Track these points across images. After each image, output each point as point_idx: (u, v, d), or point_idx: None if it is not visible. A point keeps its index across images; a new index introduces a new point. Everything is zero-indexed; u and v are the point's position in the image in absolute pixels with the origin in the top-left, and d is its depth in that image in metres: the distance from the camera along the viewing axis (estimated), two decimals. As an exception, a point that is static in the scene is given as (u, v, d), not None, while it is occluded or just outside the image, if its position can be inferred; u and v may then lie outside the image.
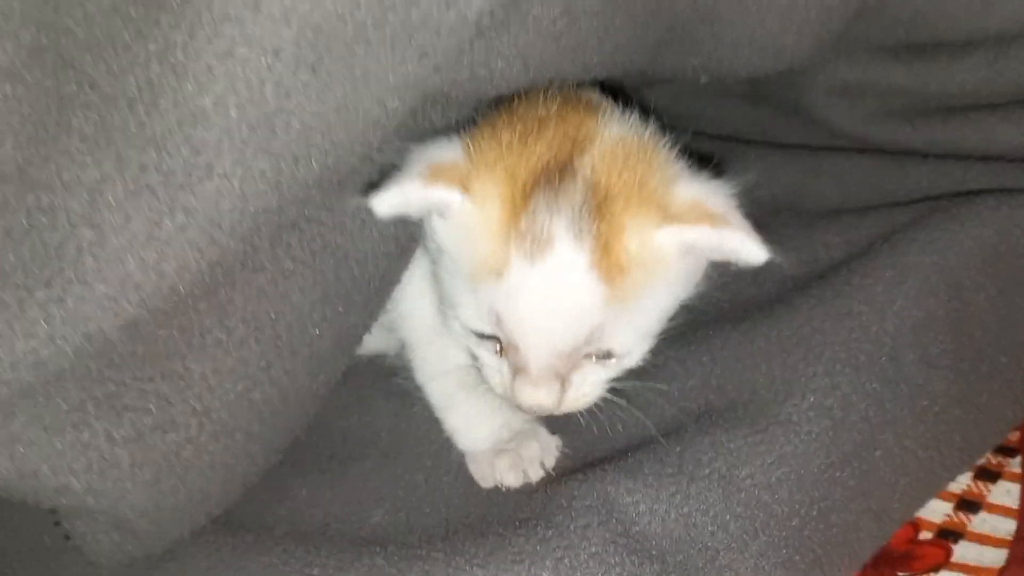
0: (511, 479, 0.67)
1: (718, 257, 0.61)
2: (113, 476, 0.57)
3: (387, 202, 0.58)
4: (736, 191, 0.62)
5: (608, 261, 0.58)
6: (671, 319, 0.65)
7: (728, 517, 0.59)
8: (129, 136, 0.49)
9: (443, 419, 0.72)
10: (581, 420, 0.66)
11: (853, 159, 0.84)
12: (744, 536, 0.59)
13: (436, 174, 0.59)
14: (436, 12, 0.50)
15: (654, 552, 0.58)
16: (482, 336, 0.62)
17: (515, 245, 0.58)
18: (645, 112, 0.67)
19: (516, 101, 0.65)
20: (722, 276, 0.67)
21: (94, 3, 0.49)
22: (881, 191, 0.80)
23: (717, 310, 0.73)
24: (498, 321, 0.60)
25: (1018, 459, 0.78)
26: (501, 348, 0.62)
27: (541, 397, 0.60)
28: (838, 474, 0.61)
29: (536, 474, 0.67)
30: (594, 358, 0.61)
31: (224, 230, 0.51)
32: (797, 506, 0.60)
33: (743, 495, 0.60)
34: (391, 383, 0.75)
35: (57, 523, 0.63)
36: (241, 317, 0.60)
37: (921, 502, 0.69)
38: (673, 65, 0.72)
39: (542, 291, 0.58)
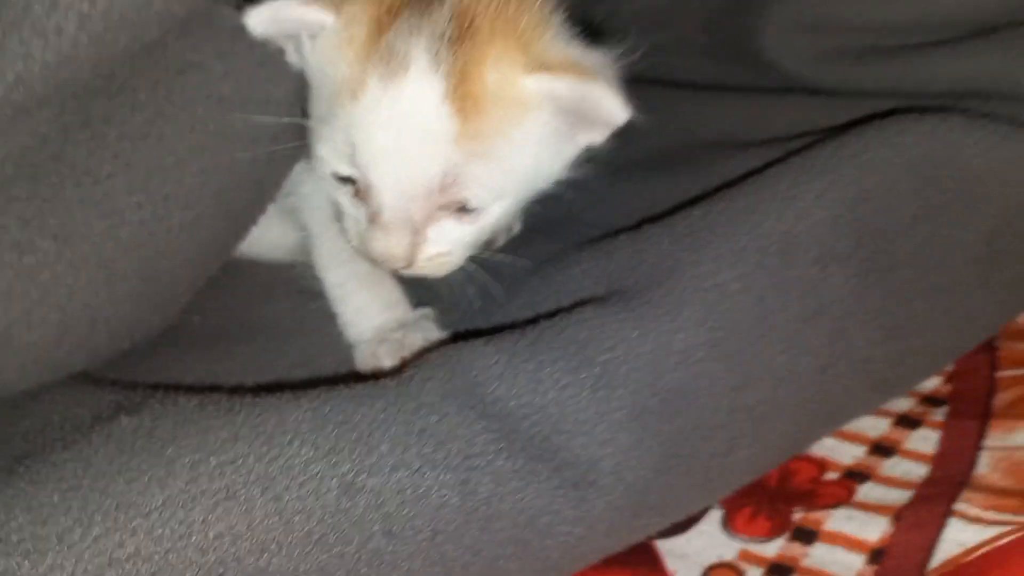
0: (387, 363, 0.66)
1: (582, 120, 0.60)
2: (-40, 290, 0.57)
3: (261, 18, 0.59)
4: (614, 61, 0.63)
5: (463, 92, 0.57)
6: (540, 193, 0.64)
7: (581, 388, 0.56)
8: None
9: (337, 311, 0.72)
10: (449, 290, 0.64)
11: (802, 98, 0.82)
12: (596, 408, 0.55)
13: None
14: None
15: (497, 412, 0.55)
16: (342, 180, 0.61)
17: (372, 66, 0.57)
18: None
19: None
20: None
21: None
22: (823, 125, 0.77)
23: (627, 219, 0.71)
24: (353, 152, 0.59)
25: (943, 409, 0.73)
26: (358, 191, 0.61)
27: (392, 245, 0.59)
28: (705, 358, 0.58)
29: (413, 359, 0.65)
30: (452, 212, 0.59)
31: (71, 20, 0.52)
32: (657, 384, 0.56)
33: (599, 368, 0.56)
34: (296, 280, 0.75)
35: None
36: (114, 152, 0.61)
37: (817, 425, 0.65)
38: None
39: (393, 115, 0.57)
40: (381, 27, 0.57)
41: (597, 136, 0.62)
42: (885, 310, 0.64)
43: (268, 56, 0.63)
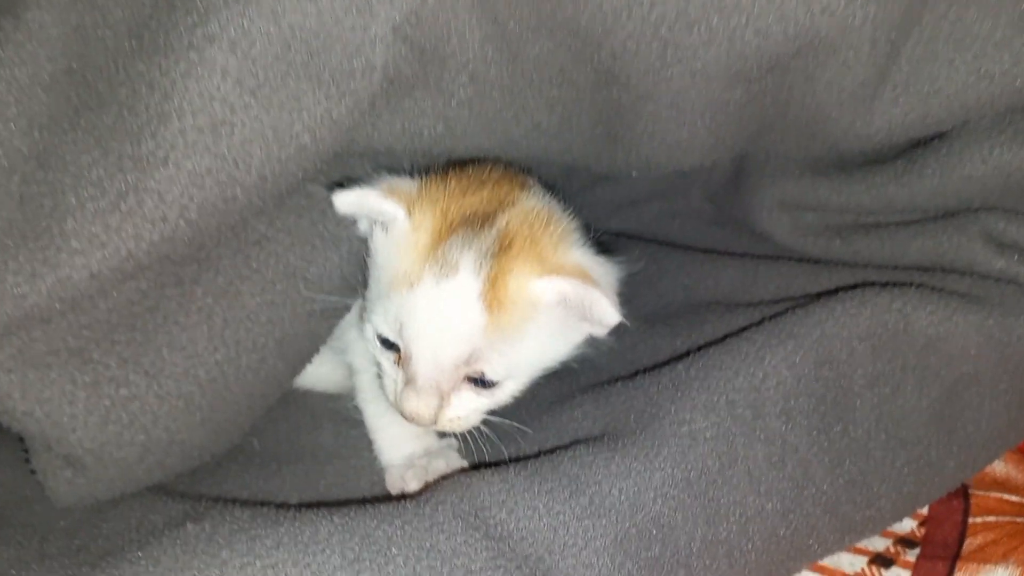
0: (413, 486, 0.77)
1: (584, 317, 0.73)
2: (68, 412, 0.70)
3: (347, 200, 0.75)
4: (622, 273, 0.77)
5: (493, 295, 0.71)
6: (549, 370, 0.77)
7: (570, 516, 0.66)
8: (114, 131, 0.65)
9: (373, 438, 0.84)
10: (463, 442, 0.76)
11: (789, 265, 0.92)
12: (583, 534, 0.65)
13: (392, 191, 0.75)
14: (348, 58, 0.65)
15: (498, 534, 0.65)
16: (387, 344, 0.74)
17: (429, 266, 0.72)
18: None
19: (470, 166, 0.81)
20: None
21: (112, 40, 0.68)
22: (801, 289, 0.88)
23: (631, 368, 0.82)
24: (401, 328, 0.72)
25: (916, 550, 0.80)
26: (399, 358, 0.74)
27: (422, 407, 0.71)
28: (679, 495, 0.67)
29: (435, 484, 0.76)
30: (473, 385, 0.72)
31: (174, 211, 0.66)
32: (636, 516, 0.66)
33: (586, 499, 0.67)
34: (341, 410, 0.88)
35: (27, 460, 0.76)
36: (199, 306, 0.75)
37: (788, 559, 0.73)
38: (607, 158, 0.85)
39: (439, 306, 0.71)
40: (440, 236, 0.72)
41: (598, 330, 0.75)
42: (848, 460, 0.73)
43: (328, 232, 0.78)
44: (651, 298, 0.96)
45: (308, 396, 0.92)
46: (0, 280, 0.65)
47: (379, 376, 0.78)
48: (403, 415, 0.74)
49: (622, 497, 0.67)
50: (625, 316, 0.71)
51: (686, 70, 0.72)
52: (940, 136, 0.80)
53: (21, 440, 0.75)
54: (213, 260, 0.75)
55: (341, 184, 0.75)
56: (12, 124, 0.68)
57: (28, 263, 0.65)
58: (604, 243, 0.79)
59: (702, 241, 1.04)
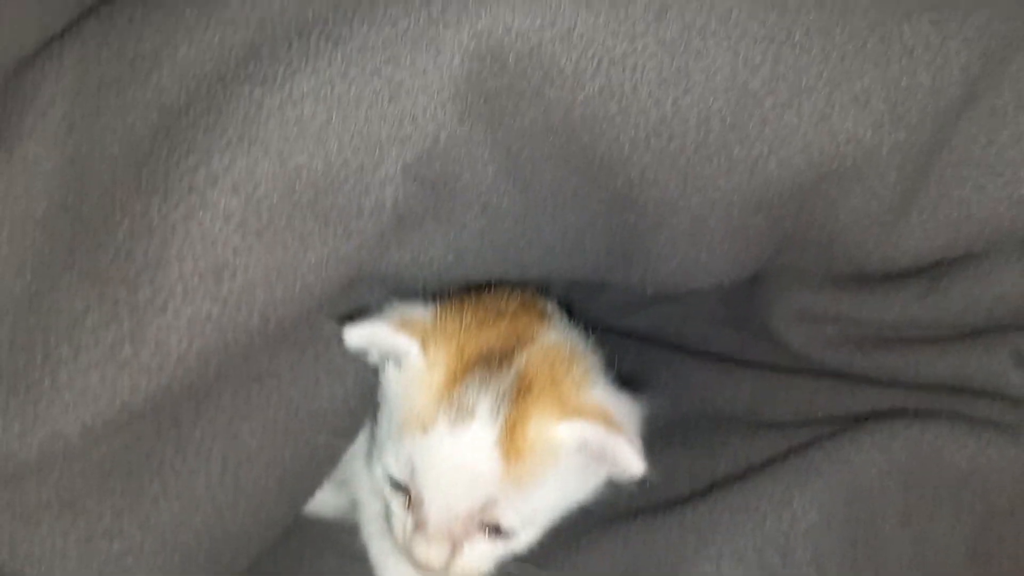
0: None
1: (605, 462, 0.69)
2: (60, 569, 0.66)
3: (358, 334, 0.70)
4: (644, 411, 0.72)
5: (510, 443, 0.67)
6: (566, 515, 0.72)
7: None
8: (111, 276, 0.62)
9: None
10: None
11: (808, 380, 0.89)
12: None
13: (404, 324, 0.70)
14: (356, 198, 0.63)
15: None
16: (396, 486, 0.70)
17: (444, 409, 0.67)
18: (588, 327, 0.79)
19: (486, 290, 0.77)
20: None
21: (108, 174, 0.65)
22: (827, 410, 0.84)
23: (645, 498, 0.78)
24: (412, 472, 0.68)
25: None
26: (410, 501, 0.70)
27: (432, 554, 0.67)
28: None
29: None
30: (486, 532, 0.68)
31: (172, 359, 0.62)
32: None
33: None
34: (343, 543, 0.83)
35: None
36: (196, 449, 0.70)
37: None
38: (620, 276, 0.82)
39: (453, 454, 0.67)
40: (456, 377, 0.68)
41: (619, 474, 0.70)
42: (881, 605, 0.70)
43: (333, 365, 0.74)
44: (666, 409, 0.92)
45: (309, 524, 0.87)
46: None
47: (388, 516, 0.74)
48: (412, 561, 0.70)
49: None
50: (650, 465, 0.66)
51: (705, 199, 0.69)
52: (967, 254, 0.77)
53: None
54: (212, 398, 0.71)
55: (351, 316, 0.72)
56: (3, 263, 0.65)
57: (18, 417, 0.62)
58: (626, 376, 0.75)
59: (716, 344, 1.01)
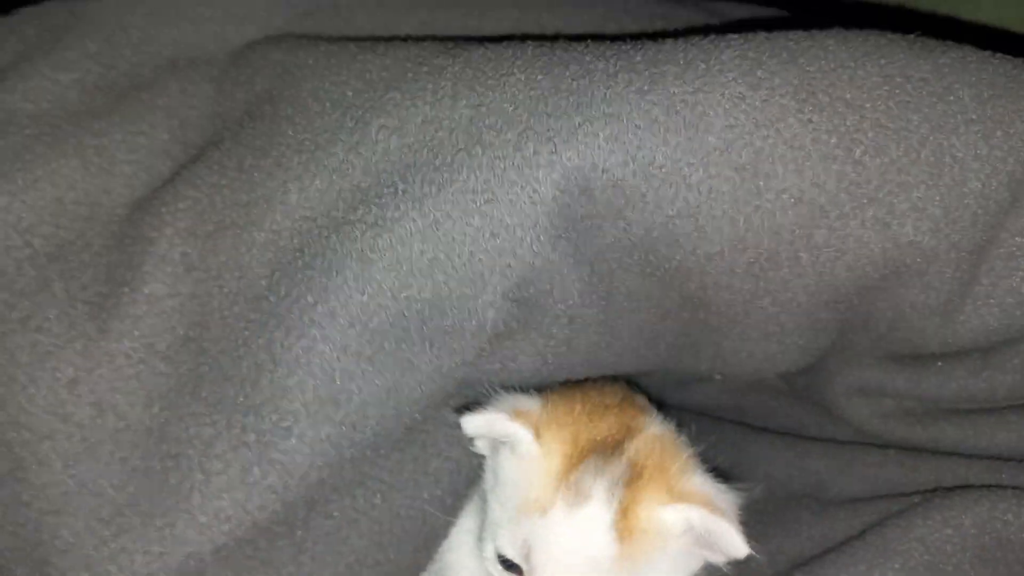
0: None
1: (708, 546, 0.73)
2: None
3: (475, 423, 0.75)
4: (740, 500, 0.77)
5: (625, 524, 0.71)
6: None
7: None
8: (237, 404, 0.68)
9: None
10: None
11: (873, 454, 0.93)
12: None
13: (518, 415, 0.76)
14: (459, 322, 0.68)
15: None
16: (507, 566, 0.75)
17: (562, 493, 0.72)
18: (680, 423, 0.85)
19: (587, 383, 0.83)
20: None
21: (228, 310, 0.70)
22: (893, 484, 0.88)
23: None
24: (528, 552, 0.73)
25: None
26: None
27: None
28: None
29: None
30: None
31: (295, 478, 0.68)
32: None
33: None
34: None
35: None
36: (311, 554, 0.75)
37: None
38: (689, 366, 0.87)
39: (571, 534, 0.72)
40: (572, 463, 0.73)
41: (718, 558, 0.75)
42: None
43: (429, 468, 0.79)
44: (760, 495, 0.96)
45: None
46: (130, 560, 0.67)
47: None
48: None
49: None
50: (755, 549, 0.71)
51: (775, 300, 0.74)
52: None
53: None
54: (322, 506, 0.76)
55: (468, 407, 0.77)
56: (132, 397, 0.70)
57: (157, 541, 0.67)
58: (721, 470, 0.80)
59: (775, 420, 1.05)
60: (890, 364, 0.91)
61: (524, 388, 0.80)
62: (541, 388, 0.81)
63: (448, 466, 0.81)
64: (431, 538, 0.82)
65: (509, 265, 0.67)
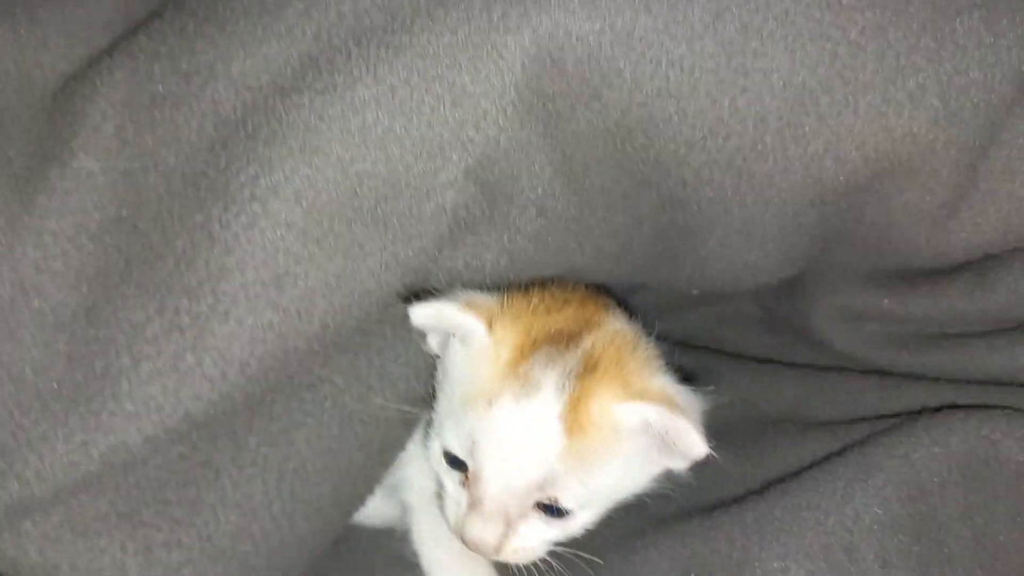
0: None
1: (667, 448, 0.68)
2: (118, 583, 0.66)
3: (424, 313, 0.70)
4: (705, 404, 0.72)
5: (575, 418, 0.67)
6: (622, 503, 0.72)
7: None
8: (170, 286, 0.62)
9: None
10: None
11: (854, 378, 0.89)
12: None
13: (471, 306, 0.71)
14: (416, 203, 0.62)
15: None
16: (454, 463, 0.70)
17: (510, 384, 0.68)
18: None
19: (548, 283, 0.78)
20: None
21: (163, 186, 0.64)
22: (875, 408, 0.84)
23: (697, 499, 0.78)
24: (472, 447, 0.68)
25: None
26: (466, 479, 0.69)
27: (487, 533, 0.67)
28: (780, 656, 0.63)
29: (504, 641, 0.71)
30: (543, 513, 0.67)
31: (234, 368, 0.62)
32: None
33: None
34: (394, 551, 0.83)
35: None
36: (252, 458, 0.70)
37: None
38: (665, 276, 0.82)
39: (517, 426, 0.67)
40: (523, 354, 0.68)
41: (679, 463, 0.70)
42: (947, 601, 0.69)
43: (385, 372, 0.74)
44: (725, 406, 0.92)
45: (359, 532, 0.87)
46: (51, 448, 0.61)
47: (440, 498, 0.74)
48: (464, 541, 0.69)
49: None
50: (715, 449, 0.66)
51: (759, 197, 0.69)
52: (1013, 248, 0.77)
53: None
54: (266, 407, 0.71)
55: (417, 296, 0.71)
56: (59, 278, 0.65)
57: (80, 429, 0.61)
58: (687, 372, 0.75)
59: (754, 348, 1.01)
60: (875, 285, 0.87)
61: (488, 290, 0.75)
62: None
63: (405, 372, 0.76)
64: (385, 449, 0.77)
65: (471, 139, 0.61)
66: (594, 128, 0.65)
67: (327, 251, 0.62)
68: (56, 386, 0.62)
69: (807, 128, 0.65)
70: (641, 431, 0.68)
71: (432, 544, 0.79)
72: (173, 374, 0.61)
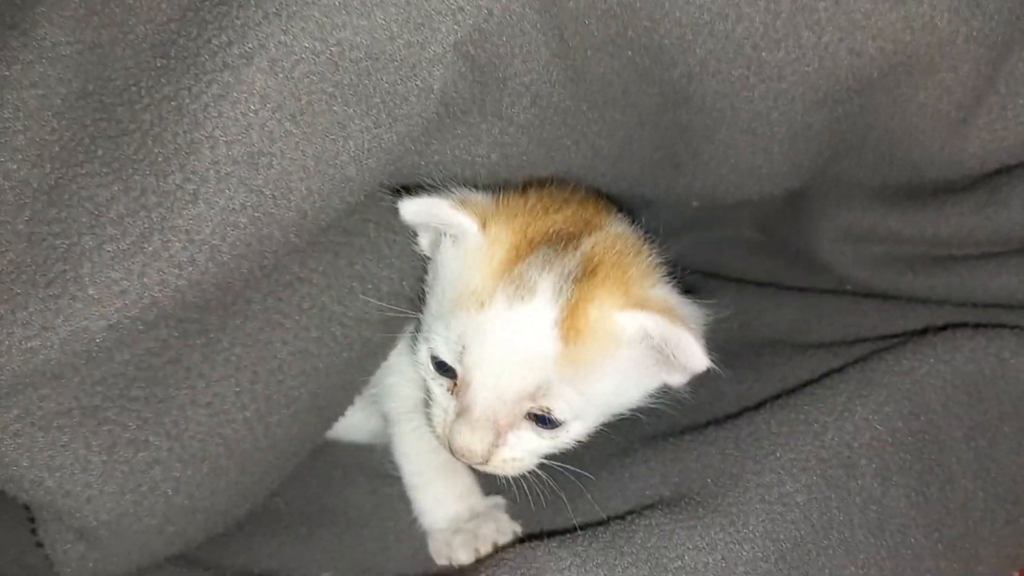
0: (463, 556, 0.69)
1: (666, 360, 0.65)
2: (83, 480, 0.62)
3: (414, 208, 0.66)
4: (707, 319, 0.68)
5: (571, 324, 0.62)
6: (616, 417, 0.69)
7: (652, 596, 0.58)
8: (136, 163, 0.58)
9: (413, 498, 0.76)
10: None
11: (855, 301, 0.85)
12: (666, 618, 0.58)
13: (464, 204, 0.67)
14: (402, 80, 0.58)
15: (572, 620, 0.58)
16: (441, 370, 0.67)
17: (503, 286, 0.63)
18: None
19: (547, 184, 0.73)
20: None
21: (132, 58, 0.60)
22: (877, 330, 0.81)
23: (692, 417, 0.75)
24: (462, 352, 0.64)
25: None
26: (454, 386, 0.66)
27: (475, 441, 0.63)
28: (772, 569, 0.60)
29: (486, 551, 0.68)
30: (534, 423, 0.64)
31: (203, 253, 0.58)
32: (725, 595, 0.59)
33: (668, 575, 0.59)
34: (375, 464, 0.79)
35: (33, 531, 0.68)
36: (225, 357, 0.67)
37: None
38: (666, 185, 0.78)
39: (509, 331, 0.63)
40: (519, 254, 0.64)
41: (678, 378, 0.66)
42: (946, 521, 0.66)
43: (368, 271, 0.70)
44: (707, 337, 0.88)
45: (337, 447, 0.84)
46: (7, 332, 0.58)
47: (426, 406, 0.70)
48: (451, 450, 0.66)
49: (708, 574, 0.59)
50: (715, 362, 0.63)
51: (768, 91, 0.65)
52: (1029, 164, 0.73)
53: (27, 506, 0.67)
54: (241, 305, 0.67)
55: (407, 189, 0.67)
56: (19, 154, 0.61)
57: (39, 313, 0.58)
58: (690, 284, 0.71)
59: (753, 273, 0.97)
60: (882, 203, 0.83)
61: (480, 187, 0.71)
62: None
63: (389, 274, 0.72)
64: (367, 355, 0.73)
65: (462, 8, 0.57)
66: (594, 7, 0.60)
67: (305, 130, 0.58)
68: (15, 269, 0.59)
69: (821, 13, 0.60)
70: (640, 341, 0.64)
71: (413, 457, 0.76)
72: (138, 256, 0.57)
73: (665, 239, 0.91)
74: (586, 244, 0.66)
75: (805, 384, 0.72)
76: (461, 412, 0.64)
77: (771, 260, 0.97)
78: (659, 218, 0.98)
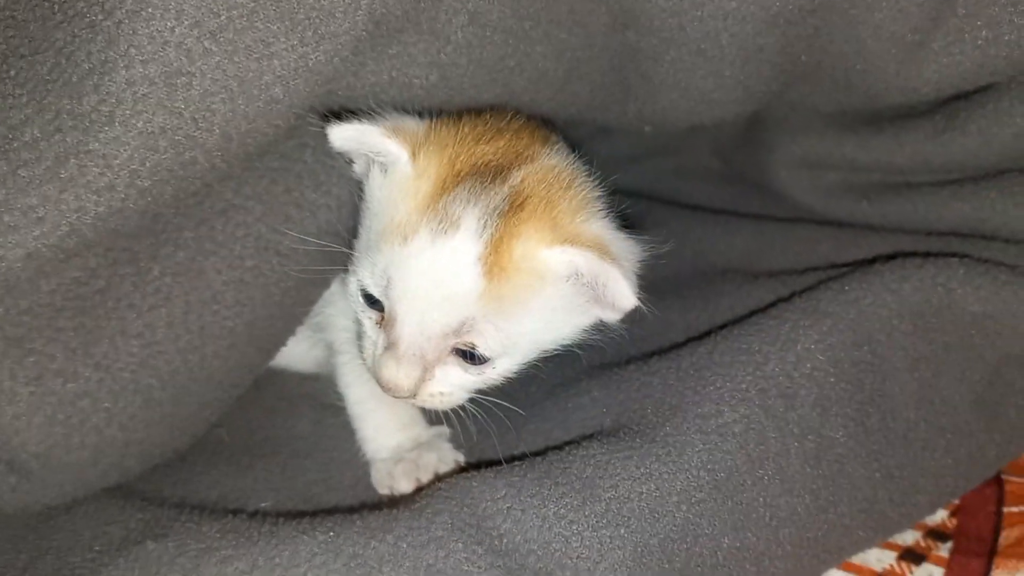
0: (404, 485, 0.68)
1: (596, 298, 0.64)
2: (10, 412, 0.61)
3: (343, 134, 0.64)
4: (644, 253, 0.67)
5: (494, 260, 0.61)
6: (548, 353, 0.68)
7: (585, 526, 0.58)
8: (50, 83, 0.55)
9: (356, 427, 0.75)
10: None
11: (809, 229, 0.84)
12: (599, 547, 0.58)
13: (396, 131, 0.65)
14: None
15: (503, 548, 0.57)
16: (370, 302, 0.66)
17: (427, 219, 0.62)
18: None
19: (488, 113, 0.71)
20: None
21: None
22: (828, 258, 0.80)
23: (637, 348, 0.74)
24: (388, 285, 0.63)
25: (948, 544, 0.74)
26: (382, 319, 0.65)
27: (401, 376, 0.63)
28: (706, 499, 0.60)
29: (428, 480, 0.68)
30: (461, 358, 0.63)
31: (123, 178, 0.56)
32: (658, 525, 0.59)
33: (602, 505, 0.59)
34: (318, 394, 0.79)
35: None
36: (156, 287, 0.65)
37: (818, 562, 0.66)
38: (617, 111, 0.76)
39: (432, 265, 0.62)
40: (444, 187, 0.62)
41: (609, 314, 0.65)
42: (886, 451, 0.66)
43: (305, 199, 0.68)
44: (658, 265, 0.87)
45: (282, 377, 0.83)
46: None
47: (359, 339, 0.69)
48: (379, 383, 0.65)
49: (642, 503, 0.59)
50: (644, 300, 0.62)
51: (718, 10, 0.63)
52: (985, 89, 0.71)
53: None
54: (172, 233, 0.65)
55: (338, 115, 0.65)
56: (-75, 75, 0.57)
57: None
58: (628, 217, 0.69)
59: (710, 201, 0.96)
60: (838, 129, 0.82)
61: (420, 113, 0.69)
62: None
63: (327, 201, 0.70)
64: (305, 285, 0.72)
65: None
66: None
67: (225, 48, 0.55)
68: None
69: None
70: (568, 278, 0.63)
71: (357, 386, 0.75)
72: (54, 182, 0.55)
73: (615, 169, 0.89)
74: (515, 177, 0.64)
75: (752, 313, 0.71)
76: (388, 346, 0.64)
77: (730, 188, 0.96)
78: (615, 145, 0.97)
